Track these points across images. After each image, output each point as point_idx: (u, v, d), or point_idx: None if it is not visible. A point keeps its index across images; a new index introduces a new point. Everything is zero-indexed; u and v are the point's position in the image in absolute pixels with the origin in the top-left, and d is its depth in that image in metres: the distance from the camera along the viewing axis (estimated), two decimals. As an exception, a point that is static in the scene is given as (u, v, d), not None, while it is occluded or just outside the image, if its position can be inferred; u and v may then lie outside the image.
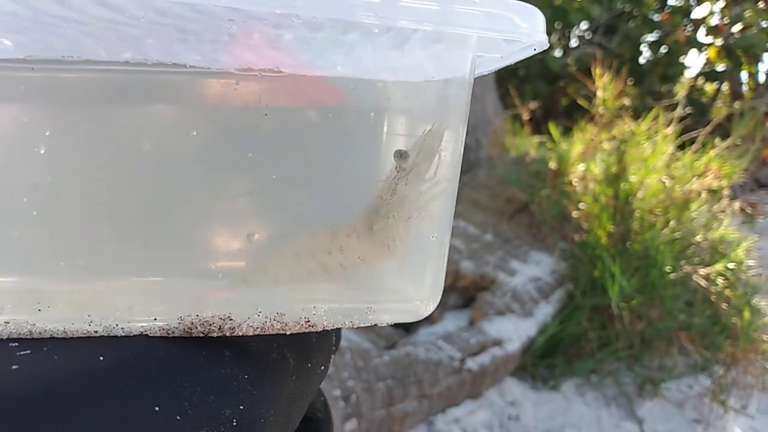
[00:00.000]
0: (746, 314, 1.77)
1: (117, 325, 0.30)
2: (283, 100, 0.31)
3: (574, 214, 2.22)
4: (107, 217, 0.31)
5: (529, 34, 0.31)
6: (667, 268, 1.85)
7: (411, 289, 0.35)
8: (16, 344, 0.27)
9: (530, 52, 0.33)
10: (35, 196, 0.29)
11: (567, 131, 2.67)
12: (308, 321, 0.32)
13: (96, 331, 0.30)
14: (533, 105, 2.68)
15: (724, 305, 1.85)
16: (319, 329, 0.33)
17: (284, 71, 0.30)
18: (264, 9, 0.27)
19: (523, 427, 1.85)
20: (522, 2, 0.31)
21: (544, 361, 2.03)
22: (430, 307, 0.36)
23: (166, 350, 0.29)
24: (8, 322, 0.29)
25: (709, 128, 2.23)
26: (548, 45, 0.32)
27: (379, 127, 0.33)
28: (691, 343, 1.87)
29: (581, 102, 2.40)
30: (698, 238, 1.95)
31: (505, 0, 0.30)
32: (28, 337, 0.29)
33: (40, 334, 0.29)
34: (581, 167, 2.29)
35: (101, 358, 0.26)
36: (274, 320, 0.32)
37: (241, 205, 0.32)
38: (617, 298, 1.90)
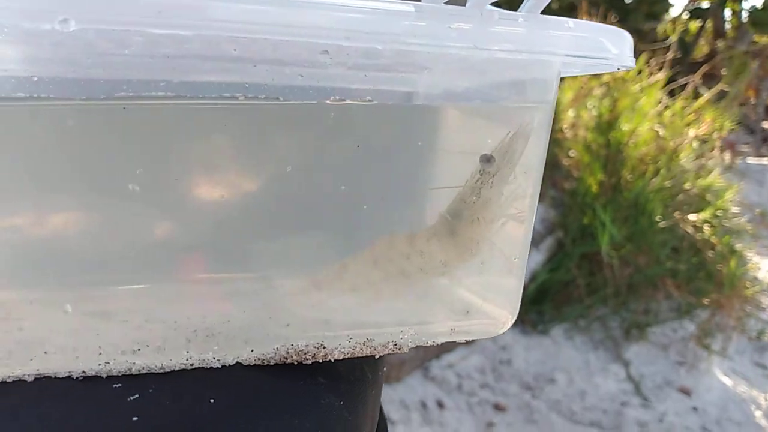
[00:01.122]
0: (732, 262, 1.82)
1: (214, 357, 0.30)
2: (373, 128, 0.30)
3: (565, 162, 2.23)
4: (202, 246, 0.31)
5: (618, 58, 0.30)
6: (657, 217, 1.88)
7: (492, 303, 0.36)
8: (120, 385, 0.28)
9: (612, 70, 0.33)
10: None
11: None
12: (396, 344, 0.33)
13: (192, 364, 0.30)
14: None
15: (710, 252, 1.90)
16: (406, 351, 0.34)
17: (374, 101, 0.30)
18: (356, 44, 0.26)
19: (514, 371, 1.91)
20: (611, 26, 0.30)
21: (534, 307, 2.09)
22: (509, 322, 0.36)
23: (269, 385, 0.29)
24: (108, 362, 0.29)
25: (698, 75, 2.24)
26: (635, 66, 0.32)
27: (460, 134, 0.33)
28: (676, 289, 1.93)
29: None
30: (687, 185, 1.98)
31: (594, 24, 0.30)
32: (128, 373, 0.29)
33: (139, 371, 0.29)
34: (572, 114, 2.29)
35: (212, 401, 0.27)
36: (364, 345, 0.32)
37: (317, 214, 0.32)
38: (606, 246, 1.94)
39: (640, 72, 2.18)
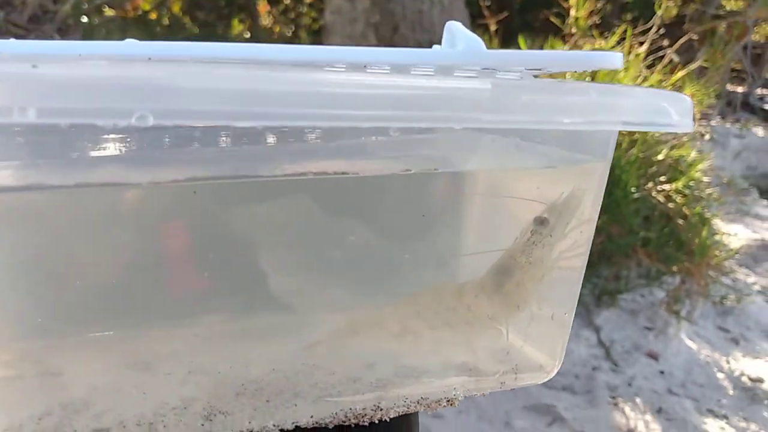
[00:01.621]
0: (704, 231, 1.88)
1: (273, 425, 0.30)
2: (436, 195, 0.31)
3: (541, 130, 2.24)
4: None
5: (680, 123, 0.31)
6: (632, 189, 1.92)
7: (539, 352, 0.37)
8: None
9: (671, 130, 0.33)
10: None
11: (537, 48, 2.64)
12: (448, 400, 0.34)
13: (251, 430, 0.30)
14: (501, 16, 2.62)
15: (680, 221, 1.96)
16: (456, 405, 0.34)
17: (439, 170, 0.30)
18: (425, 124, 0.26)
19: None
20: (674, 92, 0.30)
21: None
22: (555, 370, 0.37)
23: None
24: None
25: (674, 48, 2.25)
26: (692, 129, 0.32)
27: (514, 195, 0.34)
28: (647, 257, 1.99)
29: (553, 19, 2.37)
30: (660, 156, 2.02)
31: (658, 91, 0.30)
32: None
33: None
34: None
35: None
36: (418, 404, 0.33)
37: (359, 263, 0.33)
38: (581, 216, 1.98)
39: (620, 42, 2.18)
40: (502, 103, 0.27)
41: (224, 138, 0.25)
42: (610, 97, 0.29)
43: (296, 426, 0.31)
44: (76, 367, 0.29)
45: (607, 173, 0.35)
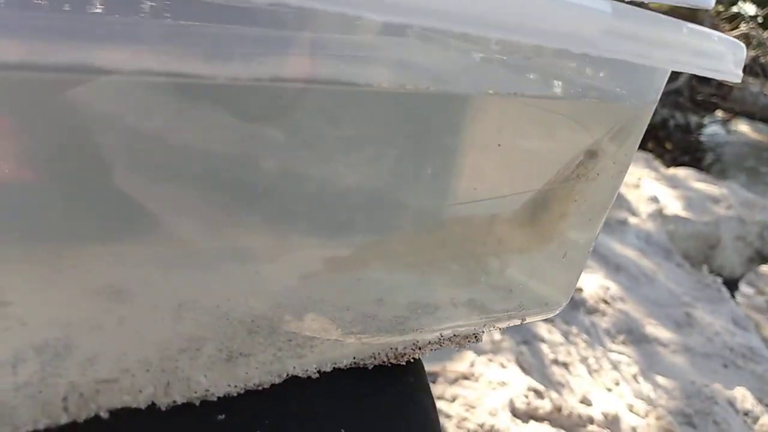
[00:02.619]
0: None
1: (315, 368, 0.30)
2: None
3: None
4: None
5: (732, 71, 0.29)
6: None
7: (550, 288, 0.36)
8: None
9: (718, 77, 0.32)
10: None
11: None
12: (476, 337, 0.33)
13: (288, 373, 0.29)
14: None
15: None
16: (481, 341, 0.34)
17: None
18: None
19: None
20: (731, 38, 0.29)
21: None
22: (563, 304, 0.37)
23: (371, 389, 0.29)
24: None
25: None
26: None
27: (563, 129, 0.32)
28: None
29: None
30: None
31: (716, 34, 0.29)
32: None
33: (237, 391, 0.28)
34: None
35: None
36: (449, 340, 0.32)
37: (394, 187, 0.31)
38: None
39: None
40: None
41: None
42: (668, 32, 0.27)
43: (335, 367, 0.30)
44: (26, 295, 0.24)
45: (649, 120, 0.34)
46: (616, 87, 0.31)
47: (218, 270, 0.26)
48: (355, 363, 0.30)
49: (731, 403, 1.58)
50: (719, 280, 2.50)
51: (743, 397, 1.63)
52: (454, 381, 1.36)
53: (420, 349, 0.31)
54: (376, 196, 0.28)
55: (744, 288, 2.94)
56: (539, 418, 1.33)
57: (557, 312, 0.38)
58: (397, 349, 0.30)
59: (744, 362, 1.86)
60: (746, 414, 1.58)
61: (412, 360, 0.31)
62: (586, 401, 1.41)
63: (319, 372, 0.29)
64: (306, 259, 0.28)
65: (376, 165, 0.27)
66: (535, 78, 0.29)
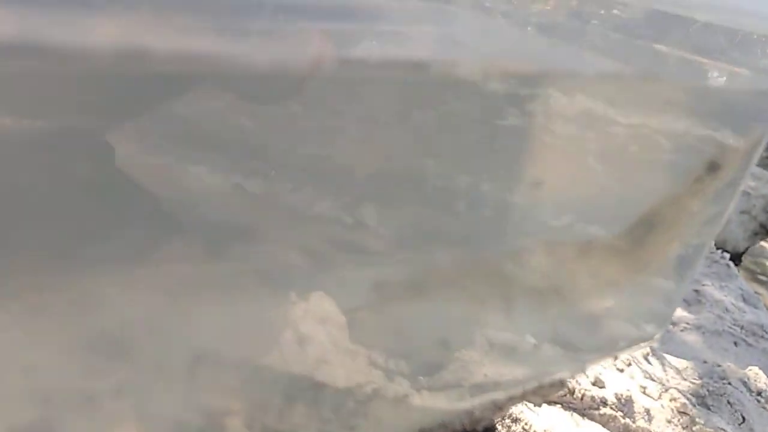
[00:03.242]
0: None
1: None
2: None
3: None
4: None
5: None
6: None
7: (648, 320, 0.31)
8: None
9: None
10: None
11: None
12: (561, 383, 0.28)
13: None
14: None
15: None
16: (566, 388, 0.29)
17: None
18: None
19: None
20: None
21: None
22: (657, 336, 0.31)
23: None
24: None
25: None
26: None
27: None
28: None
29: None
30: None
31: None
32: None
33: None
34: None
35: None
36: (533, 393, 0.27)
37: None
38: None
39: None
40: None
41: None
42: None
43: None
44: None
45: None
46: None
47: (246, 302, 0.20)
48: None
49: (744, 383, 1.55)
50: (727, 255, 2.46)
51: (756, 376, 1.60)
52: (463, 363, 1.32)
53: (500, 409, 0.25)
54: (442, 209, 0.23)
55: (747, 262, 2.91)
56: (551, 401, 1.30)
57: (651, 344, 0.32)
58: (473, 412, 0.24)
59: (755, 340, 1.83)
60: (759, 394, 1.55)
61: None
62: (598, 383, 1.37)
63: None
64: (354, 284, 0.22)
65: (449, 173, 0.22)
66: (680, 58, 0.24)
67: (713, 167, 0.22)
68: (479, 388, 0.23)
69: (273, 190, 0.21)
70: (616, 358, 0.31)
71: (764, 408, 1.49)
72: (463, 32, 0.21)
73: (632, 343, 0.27)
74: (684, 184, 0.23)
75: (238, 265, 0.20)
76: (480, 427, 0.22)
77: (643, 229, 0.24)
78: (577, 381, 1.34)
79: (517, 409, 1.20)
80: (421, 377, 0.23)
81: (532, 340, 0.26)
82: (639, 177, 0.25)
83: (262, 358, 0.20)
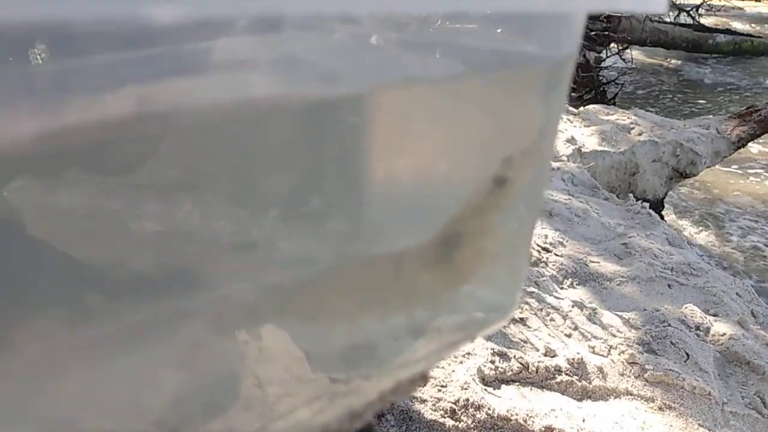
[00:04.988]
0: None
1: None
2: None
3: None
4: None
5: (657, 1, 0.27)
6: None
7: (498, 306, 0.33)
8: None
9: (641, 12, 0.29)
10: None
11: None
12: (423, 378, 0.30)
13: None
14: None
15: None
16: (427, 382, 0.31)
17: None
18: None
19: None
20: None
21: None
22: (512, 311, 0.34)
23: None
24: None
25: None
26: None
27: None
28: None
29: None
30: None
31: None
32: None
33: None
34: None
35: None
36: (393, 393, 0.29)
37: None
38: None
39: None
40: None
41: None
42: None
43: None
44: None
45: (569, 79, 0.30)
46: (527, 46, 0.28)
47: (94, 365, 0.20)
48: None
49: (683, 321, 1.63)
50: (646, 205, 2.58)
51: (692, 312, 1.68)
52: (419, 364, 1.34)
53: (359, 417, 0.26)
54: (252, 241, 0.24)
55: (669, 206, 3.06)
56: (509, 381, 1.33)
57: (514, 313, 0.34)
58: (329, 427, 0.25)
59: (686, 278, 1.92)
60: (698, 328, 1.63)
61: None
62: (549, 353, 1.42)
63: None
64: (189, 327, 0.23)
65: (254, 204, 0.23)
66: (430, 56, 0.25)
67: (500, 181, 0.23)
68: (335, 397, 0.23)
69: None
70: (473, 338, 0.32)
71: (704, 341, 1.58)
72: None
73: (486, 325, 0.28)
74: (477, 196, 0.24)
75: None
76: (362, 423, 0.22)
77: (449, 243, 0.24)
78: (528, 355, 1.39)
79: (477, 396, 1.23)
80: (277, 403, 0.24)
81: (391, 335, 0.27)
82: (446, 183, 0.26)
83: (113, 423, 0.20)
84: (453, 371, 1.29)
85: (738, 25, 8.81)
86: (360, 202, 0.28)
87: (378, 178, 0.27)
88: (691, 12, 6.70)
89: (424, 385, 0.28)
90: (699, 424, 1.29)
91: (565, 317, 1.60)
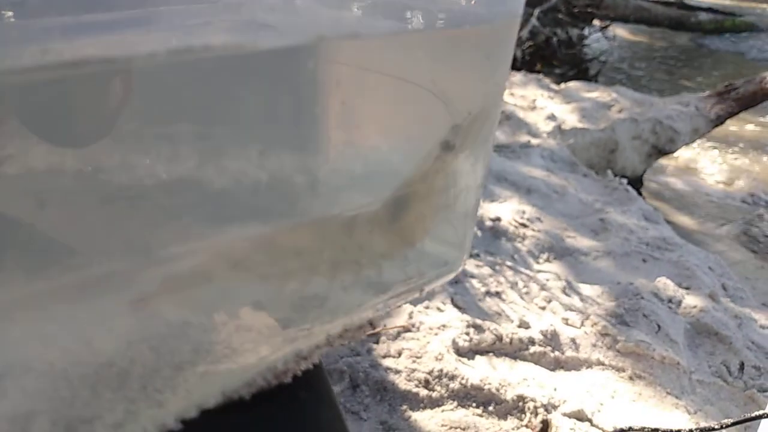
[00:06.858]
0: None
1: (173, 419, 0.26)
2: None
3: None
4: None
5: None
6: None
7: (445, 261, 0.34)
8: None
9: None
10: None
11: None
12: (371, 324, 0.31)
13: None
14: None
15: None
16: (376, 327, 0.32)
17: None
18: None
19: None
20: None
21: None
22: (461, 263, 0.35)
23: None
24: None
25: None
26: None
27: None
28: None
29: None
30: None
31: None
32: None
33: None
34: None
35: None
36: (340, 337, 0.30)
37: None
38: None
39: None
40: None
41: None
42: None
43: (202, 411, 0.25)
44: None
45: (515, 38, 0.31)
46: (471, 5, 0.28)
47: (44, 316, 0.21)
48: (226, 398, 0.26)
49: (655, 294, 1.67)
50: (624, 181, 2.61)
51: (665, 285, 1.72)
52: (396, 336, 1.36)
53: (305, 359, 0.27)
54: (207, 190, 0.24)
55: (647, 183, 3.09)
56: (483, 352, 1.36)
57: (460, 270, 0.36)
58: (276, 367, 0.26)
59: (660, 253, 1.96)
60: (670, 301, 1.67)
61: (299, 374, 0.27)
62: (524, 325, 1.45)
63: (183, 423, 0.24)
64: (140, 281, 0.24)
65: (207, 153, 0.24)
66: (373, 14, 0.26)
67: (447, 146, 0.24)
68: (283, 341, 0.24)
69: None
70: (422, 291, 0.33)
71: (675, 313, 1.61)
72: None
73: (433, 279, 0.29)
74: (426, 161, 0.25)
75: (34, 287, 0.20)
76: (288, 378, 0.23)
77: (398, 206, 0.25)
78: (503, 327, 1.41)
79: (451, 366, 1.26)
80: (228, 345, 0.24)
81: (341, 288, 0.28)
82: (397, 147, 0.26)
83: (70, 361, 0.21)
84: (428, 342, 1.31)
85: (721, 1, 8.83)
86: (315, 161, 0.28)
87: (332, 139, 0.28)
88: (674, -11, 6.69)
89: (372, 330, 0.29)
90: (667, 392, 1.32)
91: (540, 290, 1.63)
